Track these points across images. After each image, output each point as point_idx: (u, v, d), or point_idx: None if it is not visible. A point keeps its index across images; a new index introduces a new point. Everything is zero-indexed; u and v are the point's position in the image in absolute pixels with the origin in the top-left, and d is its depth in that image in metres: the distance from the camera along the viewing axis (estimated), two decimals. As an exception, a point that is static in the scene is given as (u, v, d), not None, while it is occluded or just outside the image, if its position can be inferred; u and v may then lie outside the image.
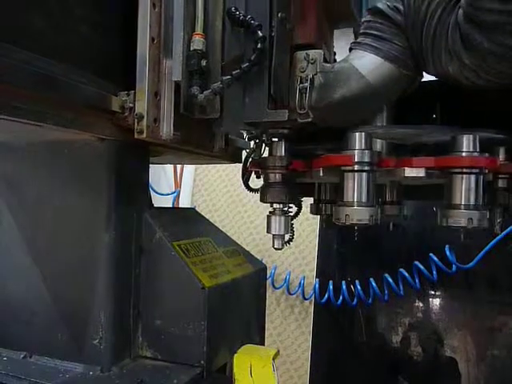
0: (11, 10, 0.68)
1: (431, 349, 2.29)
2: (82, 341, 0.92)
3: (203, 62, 0.85)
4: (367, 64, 0.85)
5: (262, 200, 0.96)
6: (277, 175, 0.93)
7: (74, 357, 0.92)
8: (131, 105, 0.83)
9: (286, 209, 0.96)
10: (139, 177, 1.01)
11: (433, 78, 0.95)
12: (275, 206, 0.94)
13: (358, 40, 0.90)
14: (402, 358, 2.32)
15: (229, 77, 0.81)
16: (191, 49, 0.85)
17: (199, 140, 1.04)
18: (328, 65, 0.86)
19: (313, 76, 0.84)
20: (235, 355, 0.85)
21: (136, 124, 0.82)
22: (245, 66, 0.81)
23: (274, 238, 0.95)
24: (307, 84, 0.83)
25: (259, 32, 0.81)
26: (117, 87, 0.86)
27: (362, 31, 0.90)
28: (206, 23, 0.88)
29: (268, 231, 0.95)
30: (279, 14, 0.84)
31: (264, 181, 0.97)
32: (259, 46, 0.81)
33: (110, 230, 0.91)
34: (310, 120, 0.84)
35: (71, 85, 0.75)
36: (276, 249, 0.95)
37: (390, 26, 0.85)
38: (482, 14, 0.71)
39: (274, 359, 0.83)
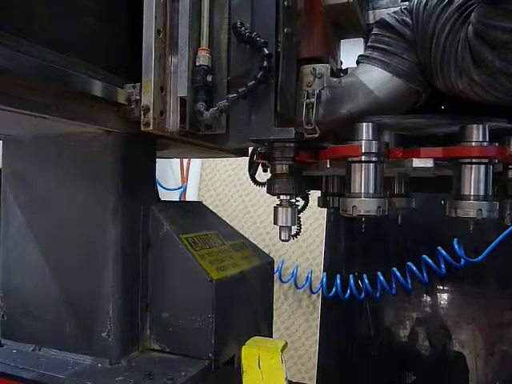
0: (18, 2, 0.68)
1: (439, 343, 2.28)
2: (91, 333, 0.92)
3: (209, 78, 0.84)
4: (375, 79, 0.84)
5: (269, 192, 0.96)
6: (284, 166, 0.92)
7: (82, 349, 0.93)
8: (137, 97, 0.83)
9: (293, 200, 0.95)
10: (146, 170, 1.01)
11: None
12: (282, 197, 0.93)
13: (366, 53, 0.88)
14: (409, 353, 2.32)
15: (235, 94, 0.80)
16: (197, 64, 0.84)
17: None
18: (335, 79, 0.85)
19: (319, 91, 0.83)
20: (243, 347, 0.85)
21: (142, 116, 0.82)
22: (251, 84, 0.79)
23: (280, 230, 0.94)
24: (314, 99, 0.82)
25: (265, 49, 0.79)
26: (123, 80, 0.85)
27: (369, 44, 0.88)
28: (212, 38, 0.87)
29: (275, 223, 0.94)
30: (285, 29, 0.82)
31: (271, 172, 0.96)
32: (265, 64, 0.79)
33: (118, 223, 0.91)
34: (316, 135, 0.83)
35: (77, 77, 0.75)
36: (283, 240, 0.94)
37: (398, 40, 0.84)
38: (494, 33, 0.69)
39: (282, 351, 0.83)
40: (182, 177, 3.01)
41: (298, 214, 1.37)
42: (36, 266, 0.98)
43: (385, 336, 2.37)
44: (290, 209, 0.93)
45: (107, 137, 0.90)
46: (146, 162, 1.01)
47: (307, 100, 0.82)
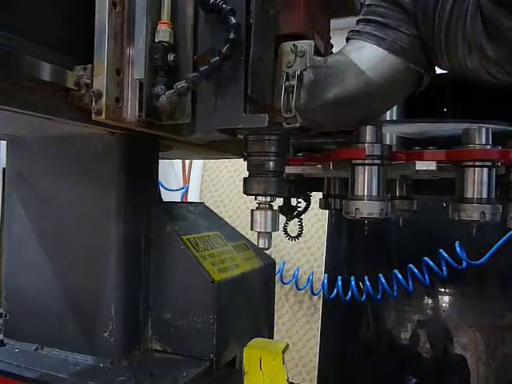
0: None
1: (440, 346, 2.27)
2: (93, 333, 0.93)
3: (170, 57, 0.72)
4: (368, 57, 0.70)
5: (245, 192, 0.82)
6: (263, 163, 0.80)
7: (84, 349, 0.93)
8: (88, 81, 0.71)
9: (272, 202, 0.81)
10: (149, 171, 1.02)
11: (441, 71, 0.94)
12: (260, 198, 0.80)
13: (357, 28, 0.74)
14: (410, 355, 2.31)
15: (195, 74, 0.68)
16: (156, 40, 0.72)
17: (175, 125, 0.86)
18: (320, 58, 0.72)
19: (301, 72, 0.70)
20: (245, 348, 0.85)
21: (94, 103, 0.70)
22: (215, 60, 0.67)
23: (258, 237, 0.80)
24: (294, 81, 0.69)
25: (232, 18, 0.66)
26: (74, 61, 0.73)
27: (361, 17, 0.74)
28: (175, 10, 0.73)
29: (252, 228, 0.81)
30: None
31: (247, 169, 0.83)
32: (232, 35, 0.66)
33: (120, 223, 0.92)
34: (297, 125, 0.69)
35: (15, 57, 0.64)
36: (262, 249, 0.82)
37: (395, 10, 0.70)
38: None
39: (283, 352, 0.83)
40: (184, 178, 3.01)
41: (300, 215, 1.38)
42: (39, 266, 0.98)
43: (386, 338, 2.36)
44: (269, 212, 0.80)
45: (110, 137, 0.90)
46: (149, 162, 1.02)
47: (286, 83, 0.69)
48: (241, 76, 0.69)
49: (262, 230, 0.80)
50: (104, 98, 0.70)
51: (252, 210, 0.81)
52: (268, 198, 0.80)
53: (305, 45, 0.72)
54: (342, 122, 0.78)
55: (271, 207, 0.81)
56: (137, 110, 0.74)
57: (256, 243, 0.82)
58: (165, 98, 0.69)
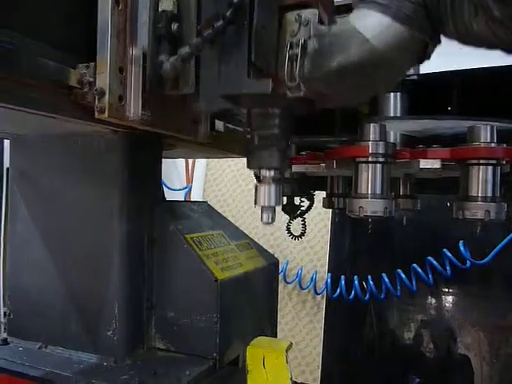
0: None
1: (444, 346, 2.27)
2: (96, 332, 0.93)
3: (174, 26, 0.72)
4: (372, 25, 0.69)
5: (248, 166, 0.82)
6: (273, 135, 0.79)
7: (88, 348, 0.93)
8: (91, 79, 0.71)
9: (278, 176, 0.80)
10: (152, 169, 1.01)
11: (446, 69, 0.93)
12: (263, 172, 0.79)
13: None
14: (414, 355, 2.31)
15: (199, 39, 0.68)
16: (159, 9, 0.72)
17: (179, 123, 0.91)
18: (324, 27, 0.72)
19: (305, 41, 0.70)
20: (248, 347, 0.85)
21: (96, 101, 0.71)
22: (218, 24, 0.67)
23: (262, 211, 0.80)
24: (298, 50, 0.69)
25: None
26: (77, 59, 0.73)
27: None
28: None
29: (256, 203, 0.80)
30: None
31: (250, 144, 0.82)
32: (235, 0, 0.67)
33: (124, 222, 0.92)
34: (301, 95, 0.70)
35: (14, 53, 0.64)
36: (265, 223, 0.81)
37: None
38: None
39: (287, 351, 0.83)
40: (187, 177, 3.02)
41: (303, 214, 1.38)
42: (42, 265, 0.98)
43: (389, 338, 2.36)
44: (273, 186, 0.79)
45: (113, 136, 0.90)
46: (152, 161, 1.01)
47: (290, 51, 0.70)
48: (244, 42, 0.69)
49: (266, 204, 0.79)
50: (107, 96, 0.70)
51: (256, 185, 0.80)
52: (272, 172, 0.79)
53: (309, 14, 0.71)
54: (346, 94, 0.77)
55: (274, 181, 0.79)
56: (140, 108, 0.74)
57: (259, 242, 0.83)
58: (168, 64, 0.69)
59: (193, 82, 0.73)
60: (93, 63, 0.71)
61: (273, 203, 0.79)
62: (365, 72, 0.71)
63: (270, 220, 0.79)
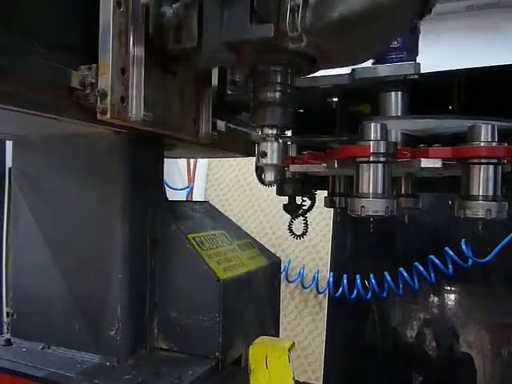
0: None
1: (446, 344, 2.27)
2: (99, 332, 0.93)
3: None
4: None
5: (252, 120, 0.81)
6: (269, 94, 0.78)
7: (91, 348, 0.93)
8: (93, 80, 0.71)
9: (278, 134, 0.80)
10: (154, 170, 1.02)
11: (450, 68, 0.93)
12: (266, 130, 0.80)
13: None
14: (416, 353, 2.31)
15: None
16: None
17: (180, 123, 0.91)
18: None
19: None
20: (251, 346, 0.85)
21: (99, 102, 0.71)
22: None
23: (265, 170, 0.81)
24: (300, 1, 0.68)
25: None
26: (79, 61, 0.73)
27: None
28: None
29: (257, 161, 0.81)
30: None
31: (253, 102, 0.82)
32: None
33: (126, 223, 0.92)
34: (303, 45, 0.69)
35: (15, 55, 0.64)
36: (268, 182, 0.81)
37: None
38: None
39: (289, 351, 0.83)
40: (189, 177, 3.02)
41: (305, 214, 1.38)
42: (45, 266, 0.98)
43: (391, 336, 2.36)
44: (275, 144, 0.79)
45: (115, 137, 0.90)
46: (154, 161, 1.02)
47: (292, 2, 0.69)
48: None
49: (269, 163, 0.79)
50: (109, 97, 0.70)
51: (258, 143, 0.81)
52: (274, 130, 0.79)
53: None
54: (348, 48, 0.76)
55: (277, 139, 0.80)
56: (142, 109, 0.75)
57: (261, 242, 0.83)
58: (171, 11, 0.69)
59: (195, 35, 0.72)
60: (95, 65, 0.71)
61: (275, 161, 0.79)
62: (366, 23, 0.70)
63: (274, 178, 0.80)
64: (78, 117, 0.76)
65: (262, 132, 0.80)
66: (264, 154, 0.79)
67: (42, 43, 0.68)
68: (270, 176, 0.80)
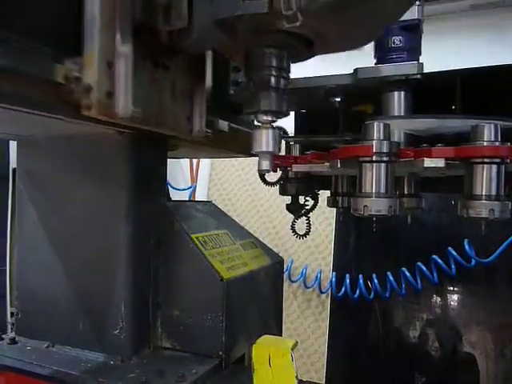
0: None
1: (449, 344, 2.26)
2: (103, 331, 0.93)
3: None
4: None
5: (246, 108, 0.78)
6: (271, 77, 0.75)
7: (95, 347, 0.94)
8: (77, 74, 0.67)
9: (275, 121, 0.78)
10: (157, 169, 1.02)
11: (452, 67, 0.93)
12: (261, 117, 0.77)
13: None
14: (419, 354, 2.30)
15: None
16: None
17: (172, 120, 0.87)
18: None
19: None
20: (254, 345, 0.85)
21: (83, 98, 0.67)
22: None
23: (260, 158, 0.78)
24: None
25: None
26: (64, 54, 0.68)
27: None
28: None
29: (254, 149, 0.78)
30: None
31: (248, 87, 0.79)
32: None
33: (129, 222, 0.92)
34: (298, 24, 0.65)
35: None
36: (264, 170, 0.79)
37: None
38: None
39: (292, 350, 0.84)
40: (192, 177, 3.02)
41: (308, 213, 1.38)
42: (49, 265, 0.99)
43: (394, 337, 2.36)
44: (271, 131, 0.77)
45: (119, 137, 0.91)
46: (158, 161, 1.02)
47: None
48: None
49: (264, 150, 0.77)
50: (94, 92, 0.66)
51: (253, 130, 0.79)
52: (269, 117, 0.77)
53: None
54: (346, 30, 0.73)
55: (272, 126, 0.78)
56: (130, 105, 0.70)
57: (264, 241, 0.83)
58: None
59: (185, 15, 0.69)
60: (80, 58, 0.67)
61: (271, 149, 0.77)
62: (363, 4, 0.67)
63: (269, 167, 0.77)
64: (65, 113, 0.71)
65: (256, 119, 0.78)
66: (258, 141, 0.77)
67: (27, 35, 0.63)
68: (265, 164, 0.77)
